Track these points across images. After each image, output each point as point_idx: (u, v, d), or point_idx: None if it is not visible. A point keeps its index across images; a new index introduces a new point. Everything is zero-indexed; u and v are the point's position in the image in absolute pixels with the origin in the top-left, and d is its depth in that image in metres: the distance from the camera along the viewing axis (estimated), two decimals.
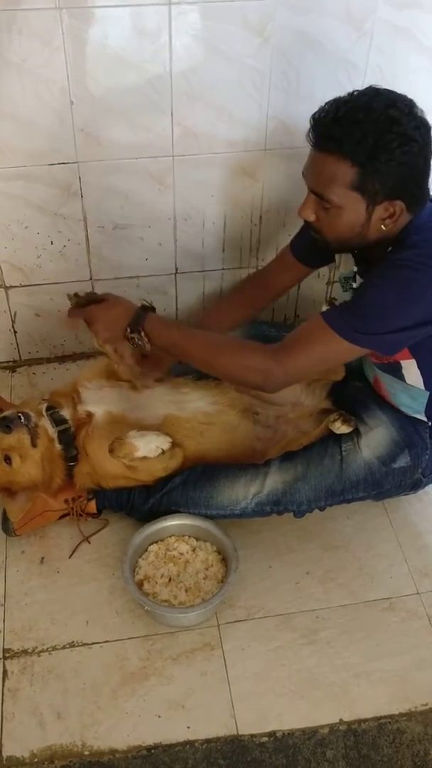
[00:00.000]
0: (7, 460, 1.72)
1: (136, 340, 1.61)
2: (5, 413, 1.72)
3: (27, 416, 1.73)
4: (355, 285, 1.72)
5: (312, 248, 1.71)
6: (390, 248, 1.51)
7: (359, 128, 1.35)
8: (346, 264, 1.74)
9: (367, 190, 1.39)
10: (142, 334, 1.60)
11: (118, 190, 2.07)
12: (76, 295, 1.68)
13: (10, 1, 1.70)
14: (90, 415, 1.81)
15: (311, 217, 1.51)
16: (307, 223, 1.55)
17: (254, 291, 1.97)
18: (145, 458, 1.72)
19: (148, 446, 1.72)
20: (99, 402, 1.83)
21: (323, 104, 1.43)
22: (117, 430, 1.75)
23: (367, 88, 1.41)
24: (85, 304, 1.65)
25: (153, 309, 1.67)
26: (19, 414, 1.72)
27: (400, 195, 1.41)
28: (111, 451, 1.71)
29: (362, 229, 1.46)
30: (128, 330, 1.60)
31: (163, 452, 1.74)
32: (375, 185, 1.38)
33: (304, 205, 1.51)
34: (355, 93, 1.41)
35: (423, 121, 1.38)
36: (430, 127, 1.40)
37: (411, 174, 1.39)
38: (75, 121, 1.91)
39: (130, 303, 1.66)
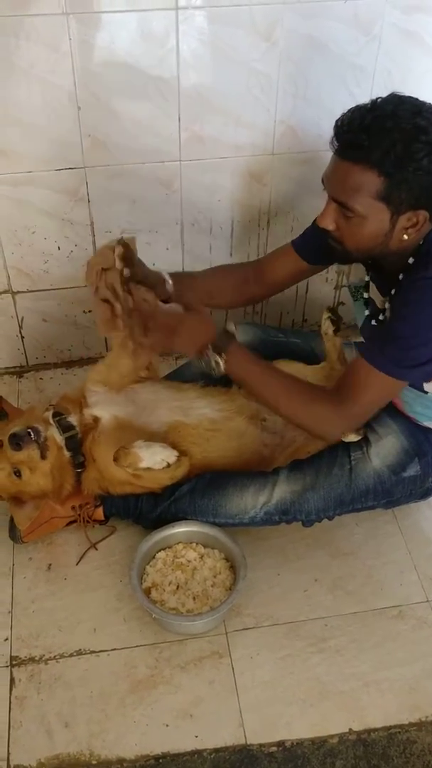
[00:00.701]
0: (17, 473, 1.72)
1: (212, 361, 1.56)
2: (15, 430, 1.70)
3: (36, 431, 1.72)
4: (366, 295, 1.70)
5: (315, 245, 1.68)
6: (412, 259, 1.49)
7: (387, 137, 1.32)
8: (356, 272, 1.72)
9: (392, 200, 1.36)
10: (222, 357, 1.56)
11: (126, 195, 2.06)
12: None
13: (18, 7, 1.70)
14: (96, 419, 1.80)
15: (331, 226, 1.47)
16: (326, 232, 1.51)
17: (249, 275, 1.86)
18: (149, 469, 1.72)
19: (153, 458, 1.71)
20: (105, 406, 1.82)
21: (346, 111, 1.40)
22: (123, 435, 1.74)
23: (389, 96, 1.38)
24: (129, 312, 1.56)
25: (234, 333, 1.63)
26: (29, 430, 1.71)
27: (425, 205, 1.39)
28: (115, 459, 1.71)
29: (384, 239, 1.44)
30: (210, 349, 1.55)
31: (168, 465, 1.73)
32: (401, 195, 1.36)
33: (324, 213, 1.47)
34: (378, 100, 1.38)
35: None
36: None
37: None
38: (82, 126, 1.90)
39: (213, 321, 1.62)
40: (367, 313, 1.71)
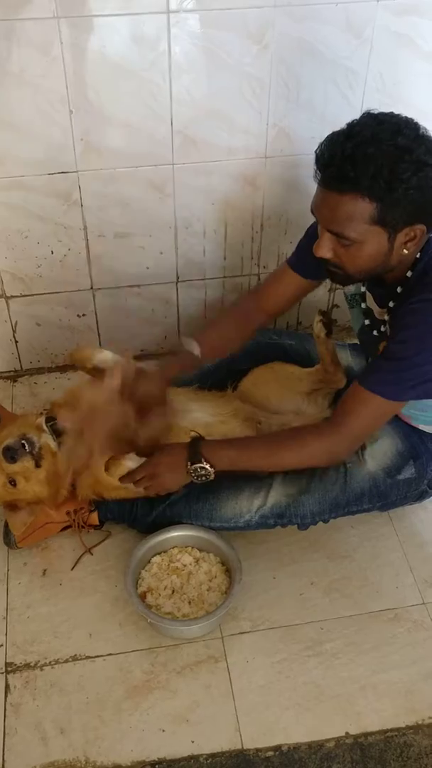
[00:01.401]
0: (12, 482, 1.71)
1: (199, 470, 1.63)
2: (8, 443, 1.69)
3: (31, 442, 1.71)
4: (364, 305, 1.70)
5: (312, 260, 1.67)
6: (410, 273, 1.49)
7: (372, 163, 1.30)
8: None
9: (387, 221, 1.36)
10: (204, 462, 1.62)
11: (119, 198, 2.06)
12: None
13: (8, 11, 1.70)
14: None
15: (329, 255, 1.46)
16: (324, 260, 1.49)
17: (250, 308, 1.88)
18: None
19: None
20: None
21: (322, 141, 1.38)
22: (117, 439, 1.73)
23: (364, 118, 1.37)
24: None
25: (201, 437, 1.70)
26: (23, 441, 1.70)
27: (420, 218, 1.38)
28: (106, 469, 1.71)
29: (385, 258, 1.43)
30: (189, 464, 1.63)
31: None
32: (395, 215, 1.35)
33: (320, 244, 1.45)
34: (354, 124, 1.36)
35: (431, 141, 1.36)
36: None
37: (429, 197, 1.35)
38: (74, 130, 1.90)
39: (175, 443, 1.70)
40: (367, 322, 1.70)
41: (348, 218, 1.36)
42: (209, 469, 1.62)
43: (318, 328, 1.88)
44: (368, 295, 1.68)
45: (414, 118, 1.36)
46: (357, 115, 2.04)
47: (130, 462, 1.70)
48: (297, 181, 2.11)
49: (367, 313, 1.71)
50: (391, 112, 1.38)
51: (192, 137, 1.98)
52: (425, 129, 1.36)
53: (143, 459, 1.71)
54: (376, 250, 1.41)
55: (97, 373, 1.80)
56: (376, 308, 1.65)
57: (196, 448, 1.64)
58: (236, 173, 2.08)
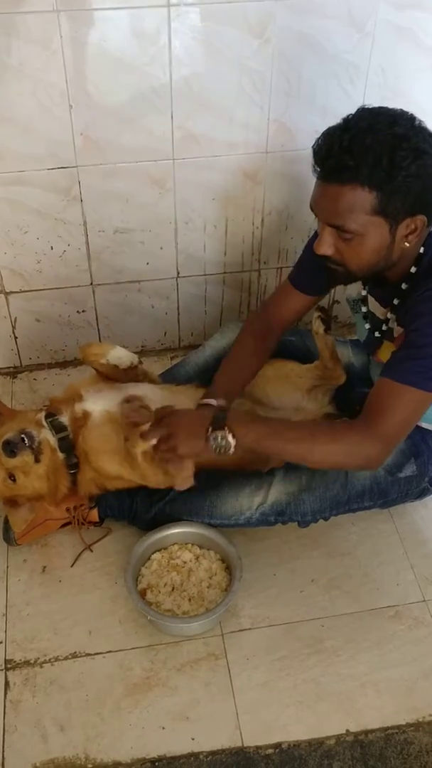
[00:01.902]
0: (12, 477, 1.71)
1: (219, 439, 1.45)
2: (8, 436, 1.69)
3: (30, 437, 1.71)
4: (365, 309, 1.69)
5: (314, 276, 1.64)
6: (414, 268, 1.48)
7: (371, 152, 1.30)
8: (353, 286, 1.71)
9: (388, 211, 1.35)
10: (226, 431, 1.45)
11: (119, 194, 2.05)
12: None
13: (8, 5, 1.69)
14: (86, 413, 1.78)
15: (330, 251, 1.44)
16: (325, 258, 1.46)
17: (263, 330, 1.82)
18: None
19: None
20: (97, 401, 1.80)
21: (318, 138, 1.38)
22: (115, 429, 1.72)
23: (360, 111, 1.37)
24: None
25: (225, 409, 1.57)
26: (22, 435, 1.70)
27: (421, 209, 1.37)
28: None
29: (387, 251, 1.41)
30: (210, 429, 1.46)
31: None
32: (396, 205, 1.34)
33: (321, 240, 1.43)
34: (350, 118, 1.36)
35: (428, 132, 1.35)
36: None
37: (428, 185, 1.35)
38: (74, 124, 1.89)
39: (200, 407, 1.62)
40: (368, 326, 1.70)
41: (349, 209, 1.36)
42: (230, 440, 1.45)
43: (317, 325, 1.87)
44: (369, 298, 1.67)
45: (410, 111, 1.36)
46: None
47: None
48: (298, 177, 2.10)
49: (367, 316, 1.70)
50: (386, 106, 1.38)
51: (192, 132, 1.97)
52: (421, 120, 1.36)
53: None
54: (378, 242, 1.40)
55: (108, 369, 1.81)
56: (379, 309, 1.64)
57: (222, 415, 1.48)
58: (237, 168, 2.07)
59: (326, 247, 1.44)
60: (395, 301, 1.55)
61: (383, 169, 1.30)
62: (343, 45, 1.90)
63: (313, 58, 1.91)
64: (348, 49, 1.91)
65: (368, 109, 1.37)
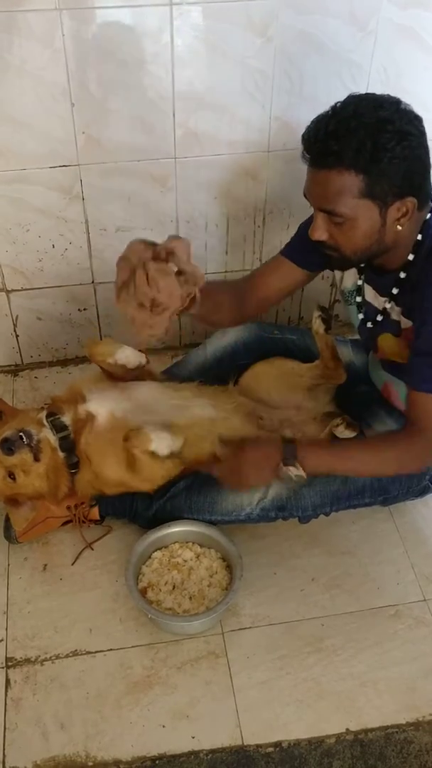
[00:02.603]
0: (11, 476, 1.71)
1: (292, 473, 1.54)
2: (6, 434, 1.69)
3: (28, 434, 1.71)
4: (359, 299, 1.69)
5: (307, 251, 1.64)
6: (412, 255, 1.49)
7: (355, 136, 1.32)
8: (349, 277, 1.71)
9: (376, 194, 1.36)
10: (298, 466, 1.54)
11: (120, 192, 2.05)
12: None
13: (10, 3, 1.69)
14: (90, 415, 1.78)
15: (324, 236, 1.46)
16: (320, 243, 1.49)
17: (245, 289, 1.79)
18: (153, 455, 1.68)
19: (160, 442, 1.67)
20: (102, 402, 1.80)
21: (309, 124, 1.41)
22: (118, 436, 1.73)
23: (347, 98, 1.39)
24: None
25: (292, 440, 1.62)
26: (21, 434, 1.70)
27: (409, 191, 1.38)
28: (126, 439, 1.68)
29: (379, 235, 1.43)
30: (282, 465, 1.54)
31: (172, 454, 1.70)
32: (384, 187, 1.36)
33: (314, 226, 1.46)
34: (338, 105, 1.38)
35: (413, 114, 1.37)
36: (421, 119, 1.38)
37: (415, 167, 1.37)
38: (76, 123, 1.89)
39: (268, 437, 1.66)
40: (361, 316, 1.70)
41: (337, 193, 1.37)
42: (302, 474, 1.54)
43: (317, 324, 1.87)
44: (366, 287, 1.67)
45: (396, 96, 1.38)
46: None
47: (151, 432, 1.67)
48: (299, 175, 2.07)
49: (360, 306, 1.70)
50: (373, 93, 1.40)
51: (194, 130, 1.97)
52: (407, 104, 1.37)
53: (164, 430, 1.68)
54: (369, 225, 1.41)
55: (114, 369, 1.80)
56: (378, 299, 1.64)
57: (290, 450, 1.54)
58: (238, 167, 2.07)
59: (320, 232, 1.46)
60: (394, 291, 1.55)
61: (368, 151, 1.32)
62: (346, 44, 1.90)
63: (315, 57, 1.90)
64: (350, 48, 1.91)
65: (356, 95, 1.39)
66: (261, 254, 2.28)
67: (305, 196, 1.47)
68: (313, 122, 1.40)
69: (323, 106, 1.96)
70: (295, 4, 1.80)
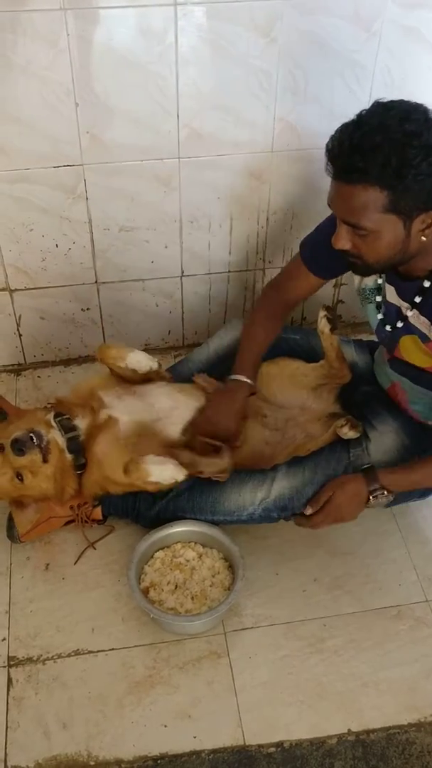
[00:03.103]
0: (19, 477, 1.70)
1: (381, 499, 1.66)
2: (17, 435, 1.68)
3: (39, 435, 1.70)
4: (379, 299, 1.69)
5: (329, 260, 1.64)
6: None
7: (380, 152, 1.29)
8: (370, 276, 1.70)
9: (401, 209, 1.35)
10: (385, 493, 1.65)
11: (124, 192, 2.05)
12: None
13: (15, 3, 1.69)
14: (113, 420, 1.76)
15: (348, 245, 1.46)
16: (343, 252, 1.48)
17: (275, 311, 1.90)
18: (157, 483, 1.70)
19: (162, 474, 1.68)
20: (124, 410, 1.79)
21: (333, 133, 1.38)
22: (142, 442, 1.73)
23: (373, 106, 1.36)
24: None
25: (372, 467, 1.70)
26: (31, 434, 1.69)
27: None
28: (125, 471, 1.69)
29: (403, 245, 1.41)
30: (371, 498, 1.66)
31: (176, 482, 1.71)
32: (408, 202, 1.34)
33: (337, 236, 1.45)
34: (363, 114, 1.35)
35: None
36: None
37: None
38: (80, 123, 1.89)
39: (347, 475, 1.72)
40: (380, 317, 1.69)
41: (361, 208, 1.36)
42: (390, 496, 1.66)
43: (322, 324, 1.87)
44: (388, 288, 1.66)
45: (424, 104, 1.35)
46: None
47: (151, 465, 1.67)
48: (303, 176, 2.10)
49: (380, 305, 1.69)
50: (401, 99, 1.36)
51: (198, 131, 1.97)
52: None
53: (167, 461, 1.68)
54: (393, 238, 1.40)
55: (125, 372, 1.80)
56: (400, 302, 1.63)
57: (372, 478, 1.65)
58: (242, 167, 2.07)
59: (343, 242, 1.45)
60: (417, 299, 1.55)
61: (393, 168, 1.29)
62: (350, 44, 1.90)
63: (319, 58, 1.90)
64: (355, 49, 1.91)
65: (382, 103, 1.35)
66: (264, 255, 2.28)
67: (329, 205, 1.45)
68: (337, 132, 1.37)
69: (327, 107, 1.99)
70: (299, 4, 1.80)
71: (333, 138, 1.37)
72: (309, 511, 1.69)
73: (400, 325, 1.62)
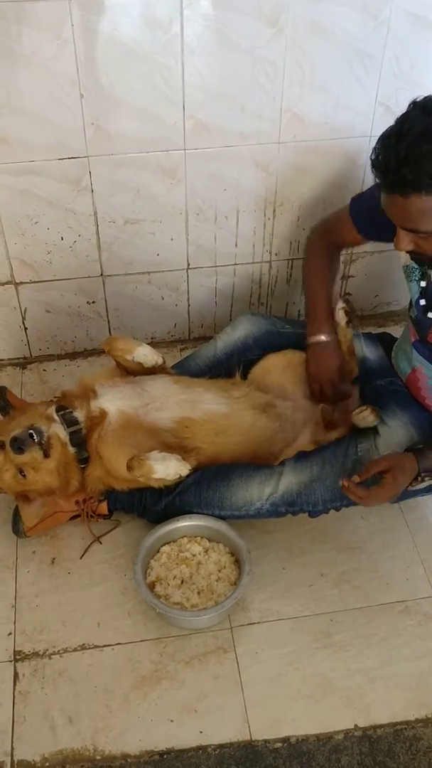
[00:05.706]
0: (22, 473, 1.71)
1: (421, 483, 1.64)
2: (16, 433, 1.68)
3: (39, 432, 1.70)
4: (424, 284, 1.67)
5: (372, 225, 1.67)
6: None
7: (428, 161, 1.30)
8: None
9: None
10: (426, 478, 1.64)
11: (129, 184, 2.03)
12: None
13: None
14: (103, 413, 1.77)
15: (410, 247, 1.47)
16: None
17: (328, 253, 1.95)
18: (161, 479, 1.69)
19: (167, 471, 1.67)
20: (113, 399, 1.79)
21: (375, 146, 1.38)
22: (131, 433, 1.72)
23: (413, 111, 1.35)
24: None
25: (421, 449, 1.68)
26: (31, 431, 1.69)
27: None
28: (129, 468, 1.67)
29: None
30: (420, 477, 1.63)
31: (181, 478, 1.71)
32: None
33: (399, 239, 1.46)
34: (403, 121, 1.34)
35: None
36: None
37: None
38: (85, 114, 1.87)
39: (399, 453, 1.68)
40: (423, 302, 1.68)
41: (419, 215, 1.37)
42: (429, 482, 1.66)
43: (340, 315, 1.87)
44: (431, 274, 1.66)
45: None
46: (372, 100, 2.01)
47: (155, 461, 1.66)
48: (310, 167, 2.08)
49: (423, 292, 1.68)
50: None
51: (204, 122, 1.95)
52: None
53: (169, 456, 1.68)
54: None
55: (130, 365, 1.80)
56: None
57: (424, 459, 1.63)
58: (248, 158, 2.05)
59: (405, 244, 1.47)
60: None
61: None
62: (358, 33, 1.87)
63: (326, 48, 1.88)
64: (362, 38, 1.88)
65: (420, 105, 1.35)
66: (271, 247, 2.26)
67: (384, 212, 1.45)
68: (380, 143, 1.37)
69: (335, 97, 1.97)
70: None
71: (376, 150, 1.37)
72: (357, 480, 1.63)
73: None
